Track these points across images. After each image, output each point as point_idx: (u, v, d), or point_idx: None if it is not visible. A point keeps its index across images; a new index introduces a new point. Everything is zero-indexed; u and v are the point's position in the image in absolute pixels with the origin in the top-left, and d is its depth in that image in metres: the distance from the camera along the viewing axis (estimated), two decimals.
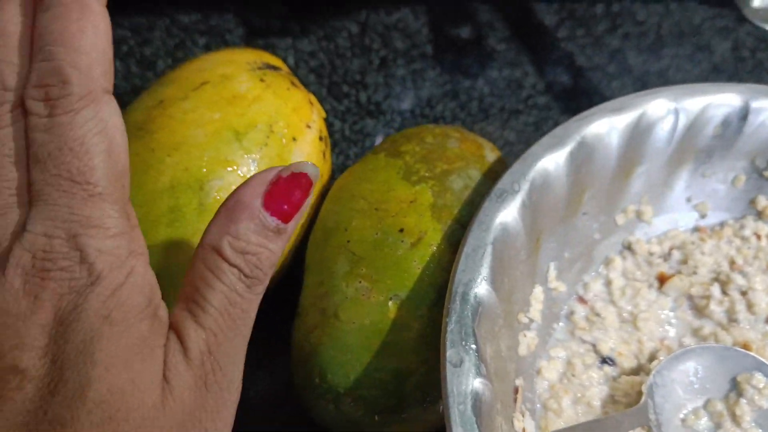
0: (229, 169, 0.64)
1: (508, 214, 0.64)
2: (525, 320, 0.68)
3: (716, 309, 0.75)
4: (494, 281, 0.61)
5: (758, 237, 0.79)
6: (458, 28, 1.05)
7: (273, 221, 0.42)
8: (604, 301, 0.75)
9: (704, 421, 0.68)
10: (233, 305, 0.41)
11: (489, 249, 0.61)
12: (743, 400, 0.68)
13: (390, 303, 0.62)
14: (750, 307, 0.74)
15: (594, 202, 0.74)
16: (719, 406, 0.68)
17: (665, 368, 0.68)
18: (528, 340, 0.68)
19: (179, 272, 0.62)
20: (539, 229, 0.68)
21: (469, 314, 0.57)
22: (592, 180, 0.72)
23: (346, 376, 0.61)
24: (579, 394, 0.69)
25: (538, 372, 0.70)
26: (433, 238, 0.64)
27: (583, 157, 0.70)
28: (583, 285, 0.76)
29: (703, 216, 0.81)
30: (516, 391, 0.65)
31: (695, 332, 0.74)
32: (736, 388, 0.69)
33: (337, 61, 1.01)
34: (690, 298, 0.76)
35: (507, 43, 1.05)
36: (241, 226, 0.41)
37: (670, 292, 0.76)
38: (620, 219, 0.78)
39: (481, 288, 0.59)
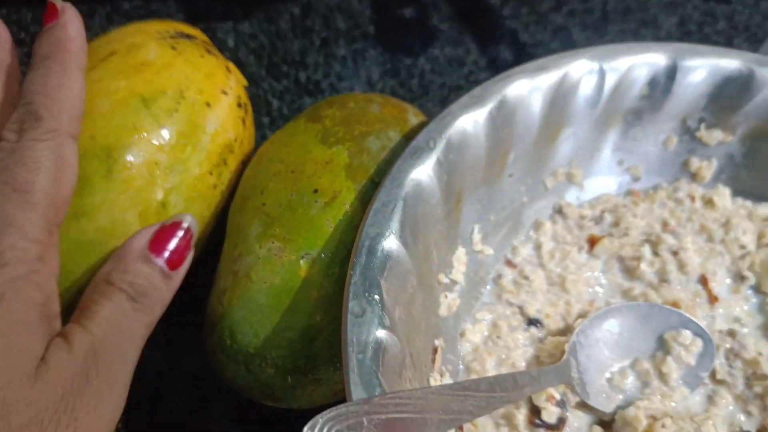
0: (138, 136, 0.63)
1: (422, 171, 0.63)
2: (446, 281, 0.67)
3: (647, 270, 0.73)
4: (405, 237, 0.60)
5: (692, 199, 0.78)
6: (402, 9, 1.05)
7: (159, 262, 0.51)
8: (533, 264, 0.74)
9: (631, 381, 0.67)
10: (121, 319, 0.46)
11: (400, 204, 0.60)
12: (670, 358, 0.67)
13: (301, 262, 0.61)
14: (681, 267, 0.73)
15: (520, 164, 0.73)
16: (646, 365, 0.67)
17: (589, 327, 0.67)
18: (449, 302, 0.67)
19: (89, 242, 0.62)
20: (459, 189, 0.67)
21: (375, 267, 0.56)
22: (515, 141, 0.71)
23: (256, 336, 0.60)
24: (503, 356, 0.67)
25: (462, 334, 0.69)
26: (347, 197, 0.63)
27: (503, 117, 0.69)
28: (512, 249, 0.75)
29: (636, 179, 0.80)
30: (435, 351, 0.64)
31: (625, 293, 0.73)
32: (663, 346, 0.68)
33: (277, 43, 1.01)
34: (621, 260, 0.75)
35: (450, 23, 1.04)
36: (129, 263, 0.50)
37: (601, 254, 0.75)
38: (549, 182, 0.77)
39: (390, 242, 0.58)
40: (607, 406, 0.65)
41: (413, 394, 0.50)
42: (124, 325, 0.46)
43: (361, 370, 0.51)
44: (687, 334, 0.67)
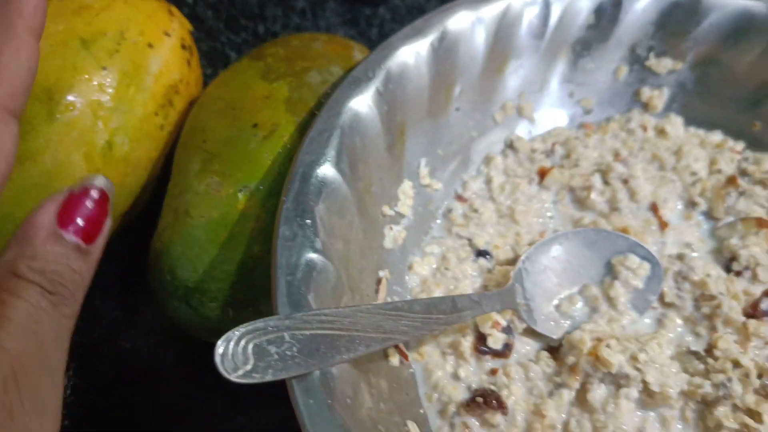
0: (79, 77, 0.63)
1: (360, 101, 0.62)
2: (391, 213, 0.67)
3: (597, 199, 0.73)
4: (342, 165, 0.59)
5: (644, 129, 0.78)
6: None
7: (72, 238, 0.40)
8: (483, 198, 0.74)
9: (580, 307, 0.67)
10: (39, 324, 0.36)
11: (337, 133, 0.60)
12: (618, 283, 0.67)
13: (240, 195, 0.61)
14: (632, 195, 0.73)
15: (466, 98, 0.73)
16: (594, 291, 0.67)
17: (535, 254, 0.67)
18: (395, 234, 0.67)
19: (34, 185, 0.62)
20: (401, 121, 0.67)
21: (309, 193, 0.56)
22: (459, 73, 0.71)
23: (195, 271, 0.60)
24: (451, 287, 0.67)
25: (410, 267, 0.69)
26: (286, 130, 0.63)
27: (446, 49, 0.68)
28: (462, 183, 0.75)
29: (587, 111, 0.80)
30: (378, 281, 0.64)
31: (576, 223, 0.73)
32: (611, 271, 0.68)
33: None
34: (571, 190, 0.74)
35: None
36: (37, 246, 0.39)
37: (551, 185, 0.74)
38: (499, 116, 0.76)
39: (326, 169, 0.58)
40: (555, 332, 0.65)
41: (341, 312, 0.50)
42: (44, 329, 0.37)
43: (289, 290, 0.51)
44: (634, 259, 0.67)
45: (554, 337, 0.64)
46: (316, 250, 0.53)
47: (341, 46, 0.71)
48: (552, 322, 0.65)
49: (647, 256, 0.67)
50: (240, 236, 0.60)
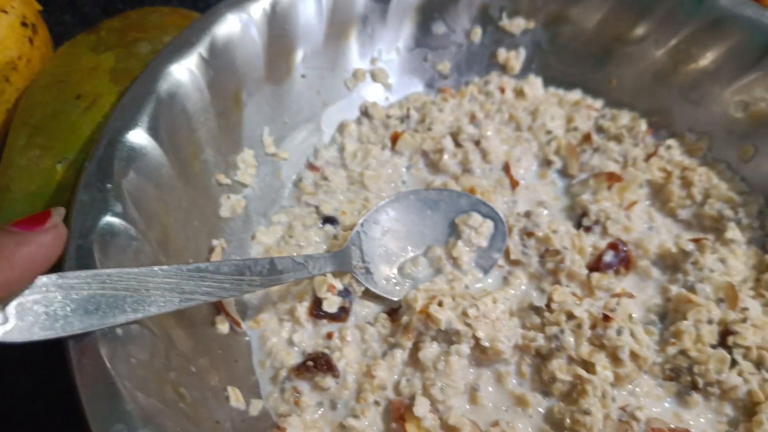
0: None
1: (181, 67, 0.61)
2: (227, 182, 0.65)
3: (450, 162, 0.72)
4: (158, 131, 0.58)
5: (502, 90, 0.77)
6: None
7: None
8: (336, 166, 0.73)
9: (423, 268, 0.66)
10: None
11: (152, 98, 0.59)
12: (461, 243, 0.66)
13: (58, 166, 0.60)
14: (485, 156, 0.72)
15: (312, 64, 0.72)
16: (438, 251, 0.66)
17: (374, 217, 0.66)
18: (233, 203, 0.66)
19: None
20: (235, 88, 0.66)
21: (115, 158, 0.55)
22: (299, 39, 0.70)
23: None
24: (294, 254, 0.66)
25: (253, 237, 0.68)
26: (109, 100, 0.62)
27: (280, 15, 0.67)
28: (315, 152, 0.74)
29: (444, 76, 0.79)
30: (211, 250, 0.63)
31: (428, 186, 0.72)
32: (455, 231, 0.67)
33: None
34: (424, 154, 0.73)
35: None
36: None
37: (404, 150, 0.74)
38: (351, 83, 0.75)
39: (136, 135, 0.57)
40: (395, 294, 0.64)
41: (128, 272, 0.49)
42: None
43: (78, 253, 0.49)
44: (477, 217, 0.66)
45: (394, 298, 0.63)
46: (115, 214, 0.52)
47: (181, 17, 0.70)
48: (395, 285, 0.64)
49: (490, 214, 0.66)
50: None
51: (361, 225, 0.64)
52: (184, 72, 0.61)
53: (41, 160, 0.60)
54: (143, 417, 0.44)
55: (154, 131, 0.58)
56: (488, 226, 0.65)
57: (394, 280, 0.64)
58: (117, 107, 0.58)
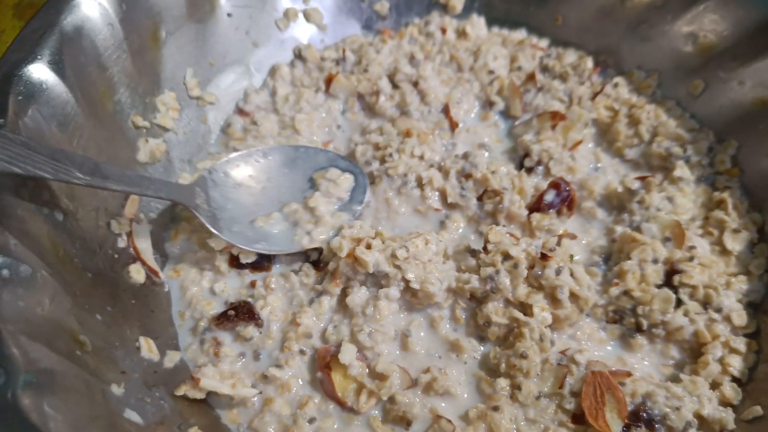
0: None
1: (90, 0, 0.57)
2: (145, 124, 0.61)
3: (386, 104, 0.69)
4: (62, 67, 0.54)
5: (443, 31, 0.73)
6: None
7: None
8: (267, 110, 0.69)
9: (277, 222, 0.62)
10: None
11: (55, 30, 0.54)
12: (318, 194, 0.61)
13: None
14: (423, 97, 0.69)
15: (239, 2, 0.68)
16: (294, 206, 0.61)
17: (223, 168, 0.61)
18: (152, 147, 0.62)
19: None
20: (152, 25, 0.61)
21: (11, 93, 0.50)
22: None
23: None
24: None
25: (177, 181, 0.64)
26: (11, 36, 0.58)
27: None
28: (244, 96, 0.70)
29: (383, 17, 0.75)
30: (126, 197, 0.59)
31: (364, 130, 0.68)
32: (312, 186, 0.63)
33: None
34: (360, 97, 0.70)
35: None
36: None
37: (338, 92, 0.70)
38: (282, 23, 0.71)
39: (36, 69, 0.52)
40: (247, 245, 0.59)
41: None
42: None
43: None
44: (335, 171, 0.62)
45: (246, 248, 0.59)
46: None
47: None
48: (249, 237, 0.60)
49: (349, 168, 0.63)
50: None
51: (209, 172, 0.61)
52: (93, 5, 0.57)
53: None
54: (28, 363, 0.40)
55: (57, 66, 0.54)
56: (347, 178, 0.62)
57: (248, 233, 0.60)
58: (16, 40, 0.53)
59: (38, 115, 0.51)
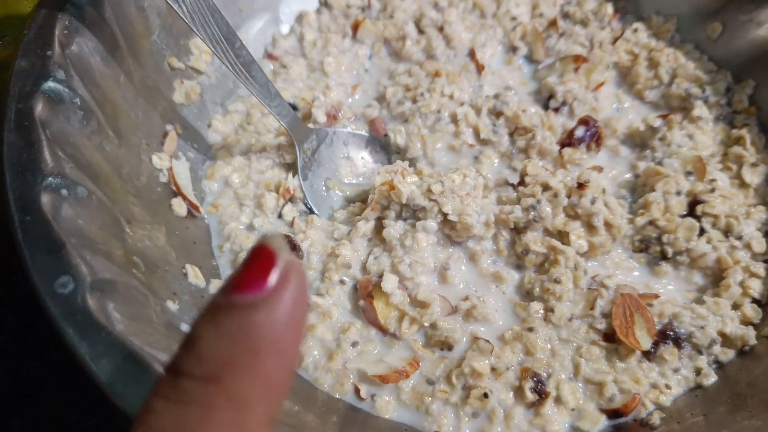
0: None
1: None
2: (180, 66, 0.63)
3: (413, 49, 0.70)
4: (103, 3, 0.55)
5: None
6: None
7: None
8: (295, 55, 0.70)
9: (336, 193, 0.64)
10: None
11: None
12: None
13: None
14: (449, 42, 0.70)
15: None
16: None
17: (343, 136, 0.64)
18: (187, 89, 0.63)
19: None
20: None
21: (54, 26, 0.51)
22: None
23: None
24: (253, 140, 0.64)
25: (209, 125, 0.65)
26: None
27: None
28: (273, 41, 0.71)
29: None
30: (165, 134, 0.60)
31: (391, 74, 0.69)
32: None
33: None
34: (387, 42, 0.71)
35: None
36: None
37: (365, 38, 0.71)
38: None
39: (81, 3, 0.53)
40: (316, 205, 0.63)
41: None
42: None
43: (17, 117, 0.47)
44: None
45: (312, 207, 0.62)
46: (58, 81, 0.49)
47: None
48: (318, 193, 0.63)
49: None
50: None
51: (334, 131, 0.63)
52: None
53: None
54: (92, 272, 0.42)
55: (97, 3, 0.55)
56: None
57: (319, 191, 0.62)
58: None
59: (83, 47, 0.53)
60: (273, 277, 0.27)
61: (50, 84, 0.49)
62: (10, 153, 0.45)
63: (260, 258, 0.28)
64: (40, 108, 0.47)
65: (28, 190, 0.44)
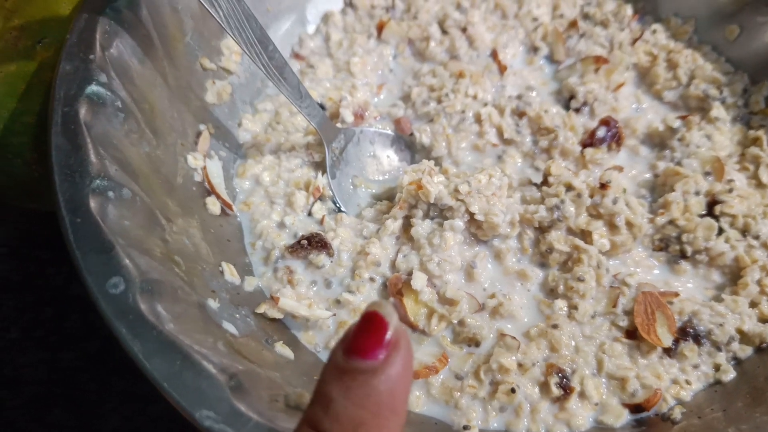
0: None
1: None
2: (212, 66, 0.64)
3: (437, 49, 0.71)
4: (140, 7, 0.57)
5: None
6: None
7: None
8: (321, 55, 0.72)
9: (363, 190, 0.66)
10: None
11: None
12: None
13: (38, 47, 0.58)
14: (471, 42, 0.71)
15: None
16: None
17: (369, 135, 0.66)
18: (219, 89, 0.64)
19: None
20: None
21: (96, 30, 0.53)
22: None
23: None
24: (282, 140, 0.66)
25: (239, 124, 0.67)
26: None
27: None
28: (299, 41, 0.72)
29: None
30: (198, 134, 0.62)
31: (416, 74, 0.71)
32: None
33: None
34: (411, 43, 0.72)
35: None
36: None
37: (389, 38, 0.72)
38: None
39: (117, 9, 0.55)
40: (343, 201, 0.65)
41: None
42: None
43: (64, 120, 0.48)
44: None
45: (340, 205, 0.64)
46: (100, 84, 0.51)
47: None
48: (346, 191, 0.65)
49: None
50: (38, 87, 0.57)
51: (361, 130, 0.65)
52: None
53: (19, 41, 0.58)
54: (140, 273, 0.43)
55: (135, 6, 0.56)
56: None
57: (345, 188, 0.64)
58: None
59: (122, 49, 0.54)
60: (387, 345, 0.32)
61: (93, 87, 0.50)
62: (58, 156, 0.47)
63: (374, 325, 0.32)
64: (84, 111, 0.49)
65: (77, 192, 0.45)
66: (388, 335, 0.32)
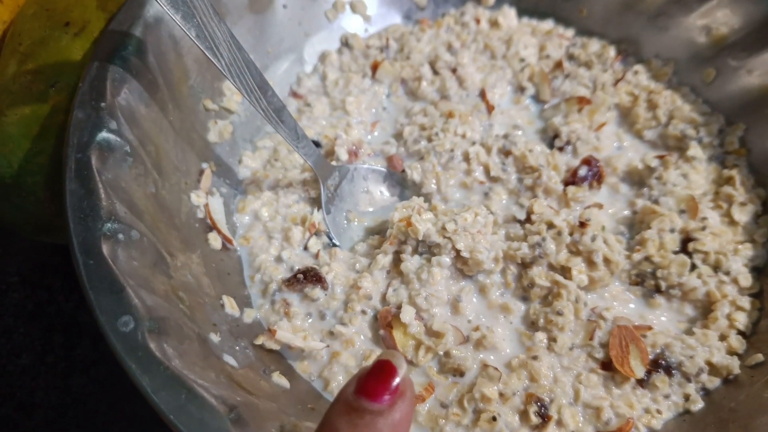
0: None
1: None
2: (214, 107, 0.68)
3: (428, 89, 0.75)
4: (146, 56, 0.60)
5: (477, 21, 0.80)
6: None
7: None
8: (318, 93, 0.76)
9: (356, 224, 0.70)
10: None
11: (140, 23, 0.60)
12: None
13: (51, 90, 0.61)
14: (461, 83, 0.75)
15: None
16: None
17: (364, 171, 0.69)
18: (220, 128, 0.68)
19: None
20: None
21: (106, 78, 0.57)
22: None
23: (10, 167, 0.61)
24: (280, 176, 0.69)
25: (240, 161, 0.70)
26: (97, 26, 0.64)
27: None
28: (297, 80, 0.76)
29: (422, 8, 0.81)
30: (201, 172, 0.66)
31: (408, 113, 0.75)
32: None
33: None
34: (403, 82, 0.76)
35: None
36: None
37: (383, 78, 0.76)
38: (331, 14, 0.77)
39: (126, 57, 0.58)
40: (337, 235, 0.68)
41: None
42: None
43: (78, 166, 0.52)
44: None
45: (334, 239, 0.67)
46: (110, 131, 0.54)
47: None
48: (340, 225, 0.68)
49: None
50: (51, 129, 0.61)
51: (354, 167, 0.68)
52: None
53: (34, 84, 0.62)
54: (148, 311, 0.47)
55: (142, 54, 0.60)
56: None
57: (340, 222, 0.68)
58: (106, 31, 0.60)
59: (129, 96, 0.58)
60: (394, 391, 0.36)
61: (104, 134, 0.54)
62: (72, 200, 0.50)
63: (385, 371, 0.37)
64: (95, 157, 0.53)
65: (90, 235, 0.49)
66: (396, 382, 0.36)
